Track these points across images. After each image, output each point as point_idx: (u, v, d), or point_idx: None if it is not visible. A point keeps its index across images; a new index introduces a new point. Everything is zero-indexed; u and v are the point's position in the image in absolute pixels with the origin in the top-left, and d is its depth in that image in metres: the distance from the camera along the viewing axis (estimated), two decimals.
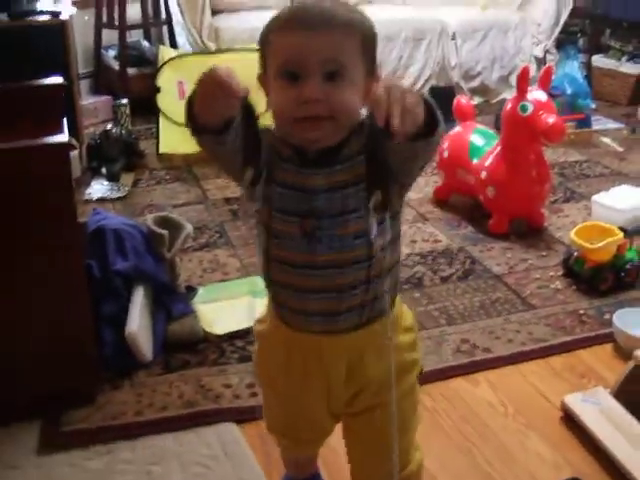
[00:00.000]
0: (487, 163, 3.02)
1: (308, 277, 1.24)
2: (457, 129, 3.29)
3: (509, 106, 2.98)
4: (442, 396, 2.08)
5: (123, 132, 3.83)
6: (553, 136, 2.83)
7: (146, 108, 4.14)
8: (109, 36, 4.71)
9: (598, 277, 2.59)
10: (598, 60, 5.15)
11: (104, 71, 4.78)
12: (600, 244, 2.58)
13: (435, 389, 2.09)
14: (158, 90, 3.89)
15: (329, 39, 1.15)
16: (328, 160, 1.21)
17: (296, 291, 1.26)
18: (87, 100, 4.47)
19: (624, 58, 5.08)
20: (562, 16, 5.20)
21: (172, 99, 3.88)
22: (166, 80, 3.91)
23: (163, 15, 4.71)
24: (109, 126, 3.88)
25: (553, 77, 3.38)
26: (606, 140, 4.26)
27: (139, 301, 2.20)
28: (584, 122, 4.26)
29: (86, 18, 4.63)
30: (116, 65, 4.64)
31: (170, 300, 2.34)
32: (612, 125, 4.54)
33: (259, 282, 2.56)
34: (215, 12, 4.61)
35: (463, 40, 4.99)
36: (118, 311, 2.18)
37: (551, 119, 2.82)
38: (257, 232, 1.30)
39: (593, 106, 4.43)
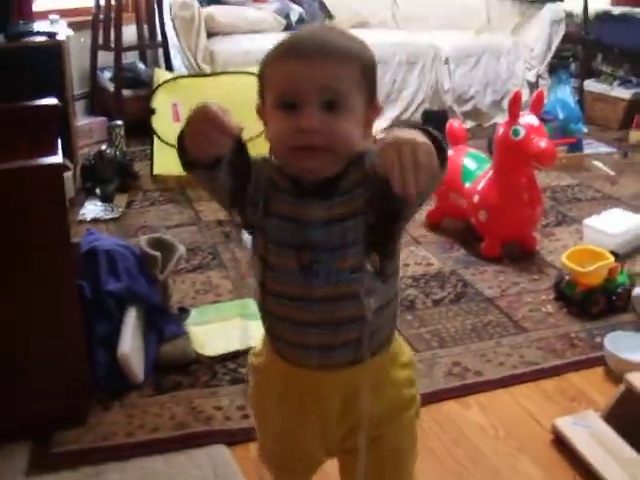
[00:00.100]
0: (479, 187, 3.04)
1: (304, 310, 1.21)
2: (449, 152, 3.30)
3: (501, 130, 3.00)
4: (433, 419, 2.08)
5: (117, 153, 3.85)
6: (545, 160, 2.85)
7: (141, 130, 4.16)
8: (105, 58, 4.73)
9: (589, 300, 2.60)
10: (590, 85, 5.20)
11: (99, 92, 4.80)
12: (591, 268, 2.60)
13: (426, 412, 2.08)
14: (153, 112, 3.91)
15: (325, 67, 1.12)
16: (326, 192, 1.18)
17: (292, 324, 1.23)
18: (82, 121, 4.48)
19: (615, 83, 5.14)
20: (554, 41, 5.26)
21: (167, 121, 3.90)
22: (161, 102, 3.93)
23: (159, 37, 4.74)
24: (104, 147, 3.90)
25: (545, 102, 3.42)
26: (598, 164, 4.29)
27: (131, 322, 2.20)
28: (576, 146, 4.29)
29: (82, 40, 4.66)
30: (111, 87, 4.66)
31: (162, 321, 2.35)
32: (604, 149, 4.58)
33: (251, 304, 2.59)
34: (210, 35, 4.63)
35: (456, 64, 5.03)
36: (110, 332, 2.17)
37: (543, 143, 2.84)
38: (253, 263, 1.27)
39: (585, 130, 4.47)
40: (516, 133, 2.90)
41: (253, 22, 4.90)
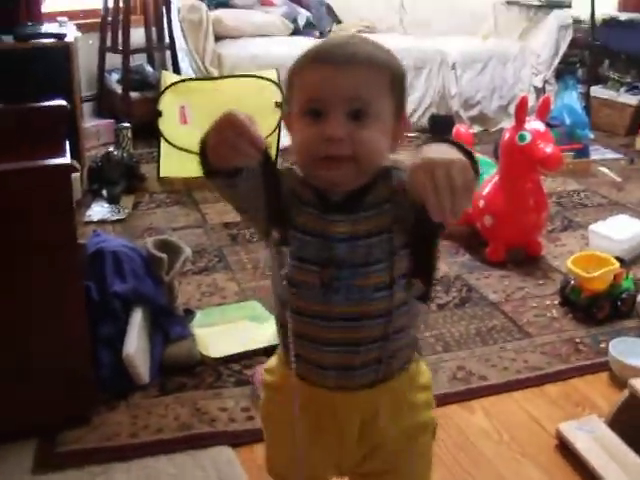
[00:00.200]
0: (485, 192, 3.04)
1: (323, 328, 1.16)
2: None
3: (507, 135, 3.00)
4: (437, 423, 2.08)
5: (124, 155, 3.86)
6: (550, 165, 2.86)
7: (148, 132, 4.17)
8: (113, 60, 4.74)
9: (594, 306, 2.60)
10: (597, 91, 5.20)
11: (107, 94, 4.82)
12: (597, 273, 2.60)
13: None
14: (159, 114, 3.92)
15: (353, 75, 1.09)
16: (352, 206, 1.14)
17: (311, 342, 1.18)
18: (89, 123, 4.50)
19: (622, 89, 5.14)
20: (561, 47, 5.26)
21: (173, 124, 3.91)
22: (168, 105, 3.94)
23: (167, 40, 4.75)
24: (111, 149, 3.92)
25: (552, 107, 3.42)
26: (604, 170, 4.29)
27: (137, 323, 2.21)
28: (582, 152, 4.29)
29: (90, 42, 4.67)
30: (119, 89, 4.68)
31: (168, 323, 2.35)
32: (610, 155, 4.58)
33: (257, 307, 2.61)
34: (218, 38, 4.65)
35: (463, 70, 5.03)
36: (116, 333, 2.18)
37: (549, 148, 2.85)
38: (272, 278, 1.23)
39: (591, 136, 4.47)
40: (522, 138, 2.91)
41: (261, 26, 4.92)
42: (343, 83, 1.09)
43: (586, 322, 2.60)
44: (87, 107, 4.65)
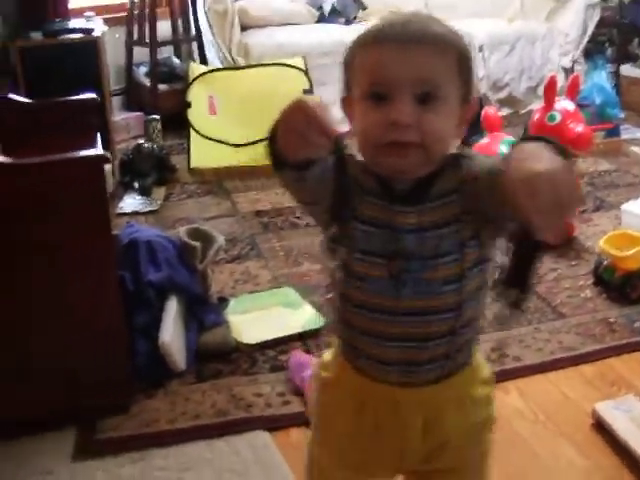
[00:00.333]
0: None
1: (389, 323, 1.11)
2: (485, 140, 3.30)
3: (537, 116, 2.99)
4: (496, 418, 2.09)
5: (155, 147, 3.89)
6: (581, 145, 2.84)
7: (177, 123, 4.20)
8: (140, 53, 4.77)
9: (628, 285, 2.58)
10: (626, 69, 5.13)
11: (135, 88, 4.85)
12: (630, 252, 2.58)
13: None
14: (189, 105, 3.95)
15: (422, 56, 1.02)
16: (418, 196, 1.08)
17: (375, 337, 1.13)
18: (119, 116, 4.53)
19: None
20: (590, 26, 5.20)
21: (202, 114, 3.94)
22: (196, 95, 3.96)
23: (193, 32, 4.77)
24: (141, 141, 3.95)
25: (582, 87, 3.39)
26: (636, 149, 4.25)
27: (172, 311, 2.23)
28: (613, 131, 4.25)
29: (117, 36, 4.71)
30: (147, 81, 4.71)
31: (202, 311, 2.37)
32: None
33: (290, 293, 2.63)
34: (244, 28, 4.66)
35: (490, 52, 4.99)
36: (151, 322, 2.21)
37: (579, 128, 2.83)
38: (330, 271, 1.17)
39: (622, 115, 4.41)
40: (552, 118, 2.89)
41: (286, 14, 4.92)
42: (411, 64, 1.02)
43: (620, 302, 2.59)
44: (116, 101, 4.69)
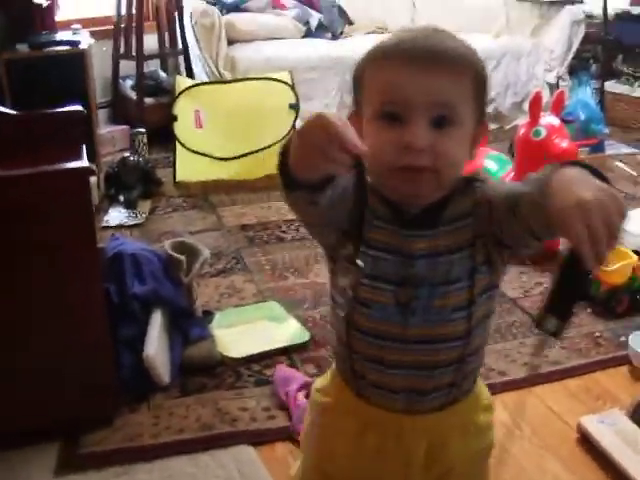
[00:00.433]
0: None
1: (395, 351, 1.08)
2: None
3: (522, 131, 3.00)
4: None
5: (140, 160, 3.88)
6: (566, 160, 2.85)
7: (163, 137, 4.19)
8: (126, 66, 4.77)
9: (613, 299, 2.59)
10: (611, 85, 5.18)
11: (121, 101, 4.84)
12: (615, 267, 2.59)
13: None
14: (175, 119, 3.94)
15: (439, 77, 0.98)
16: (430, 220, 1.05)
17: (380, 365, 1.10)
18: (105, 129, 4.52)
19: (637, 83, 5.12)
20: (574, 42, 5.24)
21: (189, 128, 3.93)
22: (182, 109, 3.96)
23: (179, 45, 4.78)
24: (126, 154, 3.94)
25: (566, 103, 3.41)
26: (620, 165, 4.28)
27: (157, 325, 2.22)
28: (598, 147, 4.28)
29: (104, 49, 4.70)
30: (133, 95, 4.70)
31: (187, 324, 2.36)
32: (626, 150, 4.57)
33: (275, 307, 2.62)
34: (231, 42, 4.66)
35: None
36: (136, 335, 2.19)
37: (564, 143, 2.84)
38: (334, 296, 1.14)
39: (606, 131, 4.45)
40: (537, 134, 2.91)
41: (273, 29, 4.93)
42: (427, 85, 0.98)
43: (605, 316, 2.60)
44: (102, 114, 4.67)
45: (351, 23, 5.41)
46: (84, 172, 1.86)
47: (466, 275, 1.05)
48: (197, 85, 4.11)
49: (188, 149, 3.92)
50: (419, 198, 1.04)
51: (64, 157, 1.87)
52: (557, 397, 2.19)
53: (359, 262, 1.05)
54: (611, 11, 5.10)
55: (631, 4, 5.42)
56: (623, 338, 2.43)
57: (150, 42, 4.74)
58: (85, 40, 3.87)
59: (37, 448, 1.96)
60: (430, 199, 1.05)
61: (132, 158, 3.86)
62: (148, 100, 4.65)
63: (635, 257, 2.63)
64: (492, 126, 4.98)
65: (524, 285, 2.84)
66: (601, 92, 5.04)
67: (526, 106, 4.04)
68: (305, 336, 2.44)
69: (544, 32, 5.31)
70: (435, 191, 1.04)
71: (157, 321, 2.23)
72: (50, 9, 4.02)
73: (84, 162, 1.90)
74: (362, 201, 1.00)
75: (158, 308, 2.27)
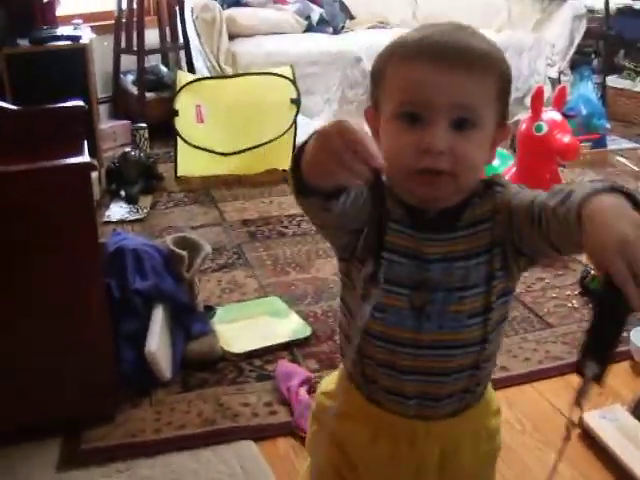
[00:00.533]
0: None
1: (409, 356, 1.06)
2: None
3: (524, 126, 3.00)
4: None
5: (141, 155, 3.88)
6: (568, 155, 2.85)
7: (164, 132, 4.19)
8: (127, 61, 4.76)
9: None
10: (612, 80, 5.17)
11: (122, 96, 4.84)
12: None
13: None
14: (176, 114, 3.93)
15: (462, 77, 0.95)
16: (448, 224, 1.03)
17: (393, 370, 1.08)
18: (106, 124, 4.52)
19: (638, 78, 5.11)
20: (576, 37, 5.23)
21: (190, 123, 3.93)
22: (184, 104, 3.95)
23: (181, 40, 4.77)
24: (128, 149, 3.93)
25: (568, 98, 3.41)
26: (622, 160, 4.27)
27: (159, 320, 2.22)
28: (599, 142, 4.27)
29: (105, 44, 4.70)
30: (134, 90, 4.70)
31: (189, 320, 2.36)
32: (627, 145, 4.56)
33: (276, 302, 2.62)
34: (232, 37, 4.66)
35: None
36: (137, 330, 2.19)
37: (566, 138, 2.84)
38: (345, 298, 1.12)
39: (608, 126, 4.44)
40: (539, 129, 2.90)
41: (274, 23, 4.92)
42: (450, 86, 0.95)
43: None
44: (103, 109, 4.67)
45: (352, 17, 5.40)
46: (85, 167, 1.86)
47: (483, 281, 1.03)
48: (198, 80, 4.10)
49: (189, 144, 3.91)
50: (437, 202, 1.02)
51: (65, 153, 1.87)
52: (559, 392, 2.19)
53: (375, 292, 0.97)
54: (613, 6, 5.09)
55: None
56: (625, 334, 2.43)
57: (151, 37, 4.73)
58: (86, 35, 3.87)
59: (39, 444, 1.96)
60: (448, 203, 1.02)
61: (133, 153, 3.85)
62: (149, 95, 4.64)
63: None
64: None
65: (525, 280, 2.84)
66: (603, 87, 5.04)
67: (528, 101, 4.02)
68: (307, 331, 2.44)
69: (546, 27, 5.30)
70: (453, 195, 1.01)
71: (159, 316, 2.23)
72: (51, 4, 4.02)
73: (85, 157, 1.90)
74: (380, 216, 0.94)
75: (160, 303, 2.27)
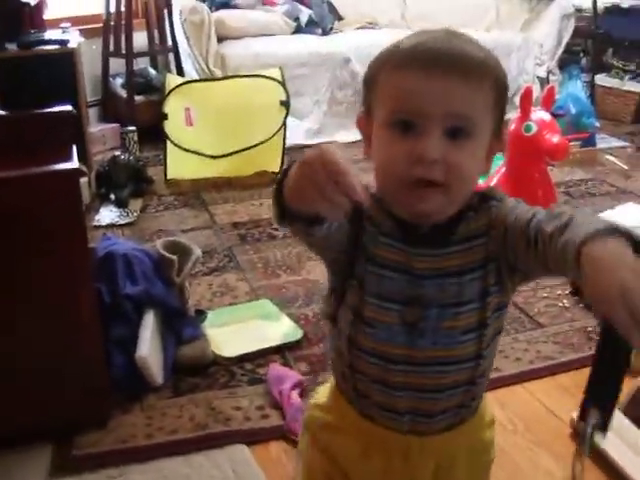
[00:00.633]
0: (492, 183, 3.04)
1: (400, 373, 1.04)
2: None
3: (513, 126, 3.00)
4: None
5: (131, 159, 3.87)
6: (557, 155, 2.86)
7: (153, 135, 4.18)
8: (116, 64, 4.76)
9: None
10: (601, 79, 5.19)
11: (111, 99, 4.83)
12: None
13: None
14: (165, 117, 3.93)
15: (456, 85, 0.92)
16: (441, 238, 1.01)
17: (385, 386, 1.06)
18: (95, 128, 4.51)
19: (627, 77, 5.14)
20: (564, 36, 5.25)
21: (179, 126, 3.92)
22: (173, 107, 3.95)
23: (169, 43, 4.76)
24: (117, 153, 3.92)
25: (557, 97, 3.41)
26: (611, 158, 4.28)
27: (149, 325, 2.21)
28: (589, 141, 4.29)
29: (94, 47, 4.69)
30: (123, 93, 4.69)
31: (180, 324, 2.36)
32: (617, 143, 4.58)
33: (267, 305, 2.62)
34: (220, 39, 4.66)
35: None
36: (128, 335, 2.19)
37: (555, 138, 2.85)
38: (334, 312, 1.09)
39: (597, 125, 4.46)
40: (528, 129, 2.91)
41: (263, 25, 4.92)
42: (444, 94, 0.92)
43: None
44: (92, 112, 4.66)
45: (341, 18, 5.41)
46: (74, 174, 1.85)
47: (477, 297, 1.00)
48: (187, 83, 4.09)
49: (179, 147, 3.91)
50: (429, 217, 0.99)
51: (54, 158, 1.86)
52: (550, 392, 2.20)
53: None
54: (600, 5, 5.12)
55: None
56: None
57: (140, 39, 4.72)
58: (74, 38, 3.86)
59: (31, 450, 1.96)
60: (440, 217, 0.99)
61: (123, 156, 3.84)
62: (138, 98, 4.64)
63: None
64: None
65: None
66: (591, 86, 5.05)
67: (517, 100, 4.03)
68: (298, 334, 2.44)
69: (534, 26, 5.32)
70: (445, 208, 0.98)
71: (149, 321, 2.23)
72: (39, 8, 4.00)
73: (74, 163, 1.89)
74: (359, 233, 0.96)
75: (150, 308, 2.26)
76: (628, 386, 2.06)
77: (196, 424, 2.06)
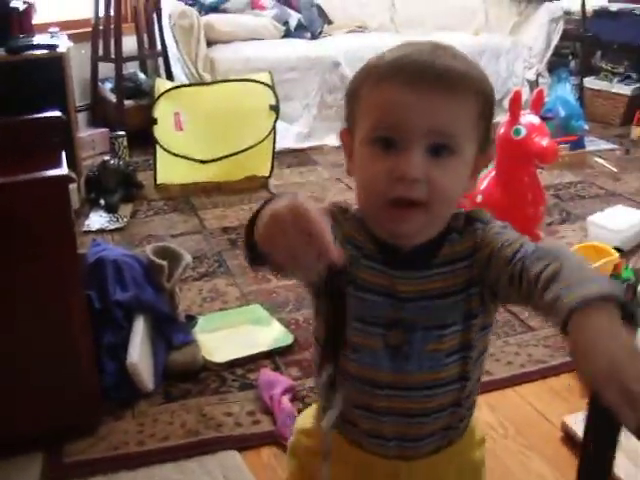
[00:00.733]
0: (482, 187, 3.04)
1: (386, 398, 1.01)
2: None
3: (502, 130, 3.00)
4: None
5: (121, 164, 3.85)
6: (547, 158, 2.86)
7: (143, 140, 4.17)
8: (105, 69, 4.74)
9: None
10: (590, 82, 5.21)
11: (101, 103, 4.81)
12: (596, 264, 2.60)
13: None
14: (155, 121, 3.92)
15: (443, 101, 0.89)
16: (423, 260, 0.98)
17: (370, 412, 1.03)
18: (84, 132, 4.49)
19: (615, 79, 5.15)
20: (553, 39, 5.26)
21: (169, 130, 3.91)
22: (162, 111, 3.94)
23: (159, 47, 4.75)
24: (107, 158, 3.91)
25: (546, 100, 3.42)
26: (600, 161, 4.30)
27: (140, 331, 2.21)
28: (578, 144, 4.30)
29: (82, 52, 4.67)
30: (113, 97, 4.68)
31: (170, 330, 2.35)
32: (606, 146, 4.59)
33: (258, 310, 2.61)
34: (210, 43, 4.65)
35: None
36: (118, 341, 2.18)
37: (544, 142, 2.85)
38: (319, 336, 1.06)
39: (586, 127, 4.47)
40: (517, 132, 2.91)
41: (252, 29, 4.92)
42: (426, 110, 0.89)
43: None
44: (81, 117, 4.65)
45: (330, 22, 5.41)
46: (63, 180, 1.84)
47: (461, 319, 0.98)
48: (177, 87, 4.08)
49: (168, 152, 3.90)
50: (409, 239, 0.97)
51: (43, 164, 1.86)
52: (541, 396, 2.20)
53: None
54: (589, 8, 5.13)
55: (609, 1, 5.45)
56: None
57: (129, 44, 4.70)
58: (63, 43, 3.85)
59: (21, 458, 1.94)
60: (422, 238, 0.97)
61: (112, 161, 3.83)
62: (128, 102, 4.62)
63: (616, 254, 2.64)
64: None
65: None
66: (580, 88, 5.07)
67: (506, 103, 4.04)
68: (288, 339, 2.43)
69: (523, 29, 5.34)
70: (426, 228, 0.95)
71: (140, 327, 2.22)
72: (27, 12, 3.98)
73: (63, 170, 1.88)
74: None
75: (141, 314, 2.26)
76: None
77: (187, 430, 2.05)
